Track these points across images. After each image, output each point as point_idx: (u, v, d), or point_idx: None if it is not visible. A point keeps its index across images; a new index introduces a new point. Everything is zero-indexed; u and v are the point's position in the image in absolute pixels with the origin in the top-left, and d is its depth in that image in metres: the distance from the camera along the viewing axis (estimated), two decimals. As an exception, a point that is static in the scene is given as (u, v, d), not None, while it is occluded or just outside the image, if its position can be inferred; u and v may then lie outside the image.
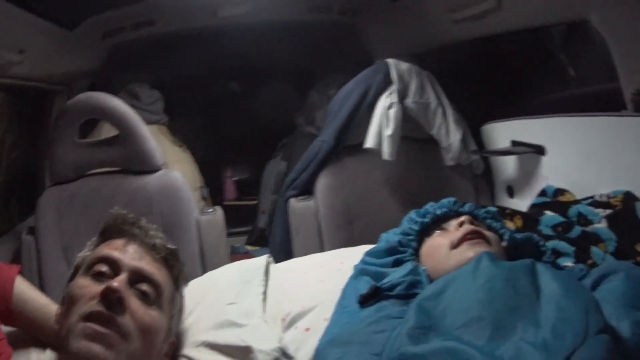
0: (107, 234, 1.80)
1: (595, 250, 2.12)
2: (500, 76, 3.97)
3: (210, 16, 3.95)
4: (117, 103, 2.88)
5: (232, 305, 1.92)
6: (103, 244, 1.75)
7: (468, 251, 1.78)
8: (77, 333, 1.50)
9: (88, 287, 1.60)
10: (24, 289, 1.81)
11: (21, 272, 1.85)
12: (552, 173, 2.77)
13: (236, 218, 5.20)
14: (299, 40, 4.86)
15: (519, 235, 1.96)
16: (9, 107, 3.78)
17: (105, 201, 2.80)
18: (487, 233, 1.87)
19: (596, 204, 2.38)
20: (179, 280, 1.83)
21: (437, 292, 1.64)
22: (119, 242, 1.73)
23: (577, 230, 2.28)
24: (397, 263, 1.94)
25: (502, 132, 3.12)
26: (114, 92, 3.38)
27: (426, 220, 2.00)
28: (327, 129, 3.21)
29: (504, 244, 1.91)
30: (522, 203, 2.87)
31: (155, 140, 2.99)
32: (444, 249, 1.85)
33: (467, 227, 1.85)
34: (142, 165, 2.91)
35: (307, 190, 3.21)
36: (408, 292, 1.76)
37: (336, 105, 3.23)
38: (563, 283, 1.58)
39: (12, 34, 2.86)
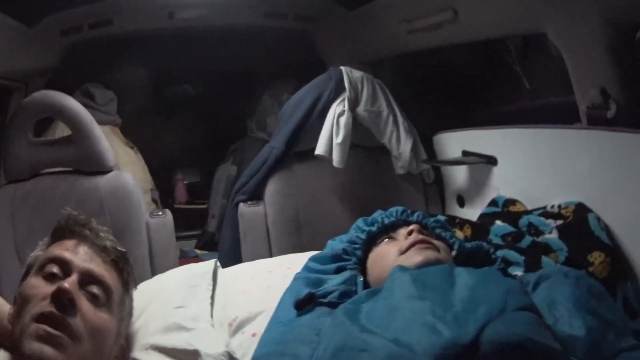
0: (59, 234, 1.79)
1: (545, 259, 2.10)
2: (455, 86, 3.97)
3: (168, 18, 3.90)
4: (71, 102, 2.83)
5: (180, 309, 1.94)
6: (54, 245, 1.75)
7: (416, 256, 1.77)
8: (30, 334, 1.49)
9: (39, 287, 1.59)
10: None
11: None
12: (504, 183, 2.77)
13: (186, 222, 5.19)
14: (254, 45, 4.81)
15: (468, 244, 1.96)
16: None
17: (58, 201, 2.74)
18: (436, 242, 1.86)
19: (547, 214, 2.38)
20: (128, 283, 1.82)
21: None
22: (70, 243, 1.72)
23: (527, 240, 2.27)
24: (339, 270, 1.94)
25: (453, 142, 3.11)
26: (70, 91, 3.35)
27: (374, 229, 1.98)
28: (278, 135, 3.19)
29: (454, 253, 1.91)
30: (472, 213, 2.85)
31: (108, 141, 2.96)
32: (392, 255, 1.83)
33: (415, 236, 1.83)
34: (94, 166, 2.87)
35: (256, 195, 3.17)
36: (340, 301, 1.77)
37: (288, 111, 3.21)
38: (480, 274, 1.62)
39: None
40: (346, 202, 3.21)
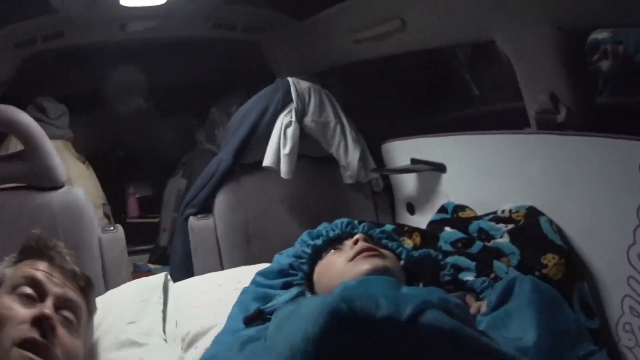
0: (28, 253, 1.80)
1: (497, 264, 2.09)
2: (404, 94, 3.97)
3: (118, 30, 3.88)
4: (23, 117, 2.75)
5: (131, 324, 1.94)
6: (24, 263, 1.76)
7: (364, 263, 1.76)
8: None
9: (15, 309, 1.59)
10: None
11: None
12: (454, 190, 2.77)
13: (139, 236, 5.14)
14: (203, 57, 4.87)
15: (416, 253, 1.96)
16: None
17: (10, 217, 2.70)
18: (383, 251, 1.86)
19: (498, 219, 2.38)
20: (92, 307, 1.86)
21: None
22: (42, 265, 1.74)
23: (478, 245, 2.25)
24: (286, 285, 1.94)
25: (402, 150, 3.10)
26: (23, 105, 3.37)
27: (319, 242, 1.98)
28: (226, 147, 3.16)
29: (402, 262, 1.90)
30: (423, 220, 2.83)
31: (60, 155, 2.92)
32: (340, 264, 1.82)
33: (361, 244, 1.83)
34: (47, 181, 2.79)
35: (205, 208, 3.15)
36: None
37: (235, 123, 3.19)
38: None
39: None
40: (296, 213, 3.20)
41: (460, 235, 2.35)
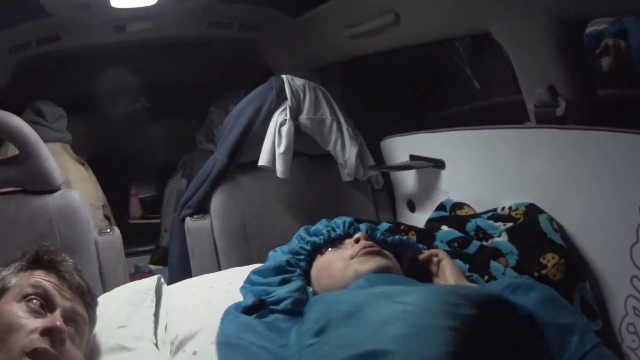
0: (35, 262, 1.80)
1: (494, 264, 2.06)
2: (404, 90, 3.96)
3: (114, 32, 3.87)
4: (17, 122, 2.75)
5: (122, 329, 1.94)
6: (32, 272, 1.76)
7: (367, 262, 1.79)
8: None
9: (24, 318, 1.60)
10: None
11: None
12: (453, 187, 2.75)
13: (141, 237, 5.19)
14: (201, 57, 4.87)
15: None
16: None
17: (6, 222, 2.71)
18: (384, 251, 1.87)
19: (497, 217, 2.35)
20: (94, 322, 1.88)
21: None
22: (52, 277, 1.75)
23: (475, 245, 2.22)
24: (284, 282, 1.93)
25: (401, 146, 3.08)
26: (20, 109, 3.38)
27: (319, 240, 1.98)
28: (221, 147, 3.13)
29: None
30: (423, 217, 2.81)
31: (58, 158, 3.02)
32: (341, 261, 1.84)
33: (364, 242, 1.85)
34: (42, 185, 2.81)
35: (202, 209, 3.13)
36: (294, 308, 1.77)
37: (230, 123, 3.16)
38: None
39: None
40: (293, 211, 3.17)
41: (456, 234, 2.33)
